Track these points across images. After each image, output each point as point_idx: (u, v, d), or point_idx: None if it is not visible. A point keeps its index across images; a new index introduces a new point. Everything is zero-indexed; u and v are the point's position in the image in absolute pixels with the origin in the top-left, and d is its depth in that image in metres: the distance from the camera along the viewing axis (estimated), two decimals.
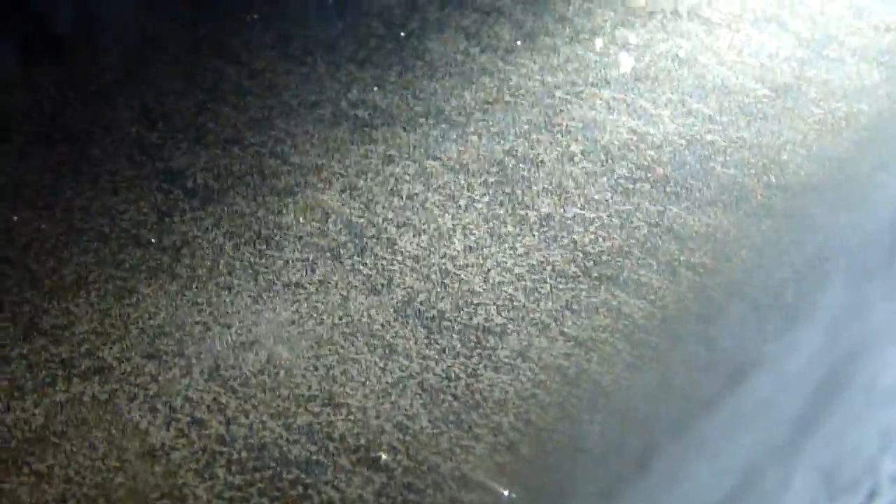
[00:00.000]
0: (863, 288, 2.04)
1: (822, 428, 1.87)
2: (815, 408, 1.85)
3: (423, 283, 1.90)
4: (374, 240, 1.97)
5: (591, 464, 1.66)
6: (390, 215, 2.01)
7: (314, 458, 1.63)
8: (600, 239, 1.99)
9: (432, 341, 1.80)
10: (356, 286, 1.88)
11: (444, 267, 1.93)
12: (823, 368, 1.90)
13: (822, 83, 2.38)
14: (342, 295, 1.87)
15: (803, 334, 1.91)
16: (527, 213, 2.03)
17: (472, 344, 1.80)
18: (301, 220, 1.99)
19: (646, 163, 2.15)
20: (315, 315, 1.83)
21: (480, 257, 1.95)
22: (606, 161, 2.15)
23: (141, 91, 2.23)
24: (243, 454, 1.62)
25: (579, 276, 1.92)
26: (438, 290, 1.89)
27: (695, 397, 1.76)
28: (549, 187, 2.08)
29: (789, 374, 1.86)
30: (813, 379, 1.88)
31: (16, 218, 1.96)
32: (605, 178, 2.12)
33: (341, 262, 1.92)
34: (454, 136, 2.18)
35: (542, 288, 1.90)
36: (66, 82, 2.24)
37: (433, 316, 1.84)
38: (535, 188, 2.08)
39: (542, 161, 2.14)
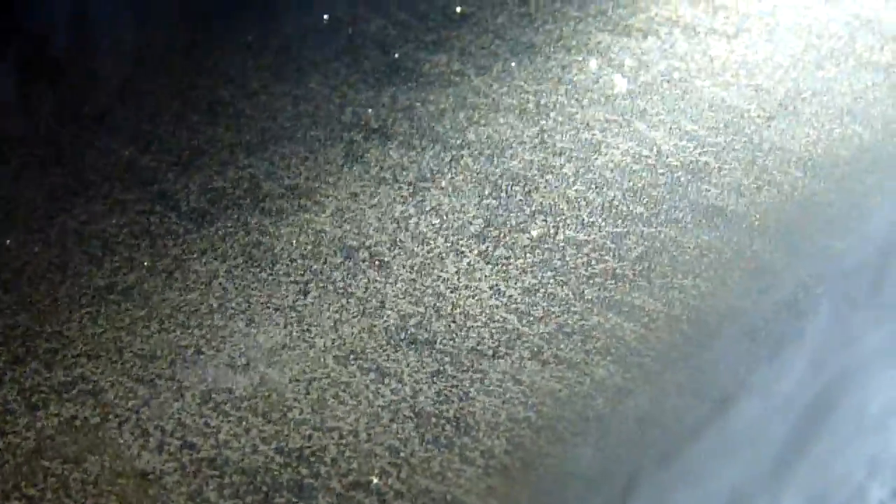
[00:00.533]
0: (851, 315, 2.04)
1: (810, 454, 1.86)
2: (803, 434, 1.85)
3: (415, 306, 1.90)
4: (367, 262, 1.97)
5: (581, 488, 1.66)
6: (383, 238, 2.02)
7: (306, 482, 1.63)
8: (593, 262, 2.00)
9: (424, 364, 1.80)
10: (348, 309, 1.89)
11: (436, 290, 1.93)
12: (811, 395, 1.89)
13: (818, 104, 2.39)
14: (335, 318, 1.87)
15: (791, 360, 1.91)
16: (520, 236, 2.03)
17: (464, 367, 1.80)
18: (294, 242, 2.00)
19: (640, 185, 2.15)
20: (307, 338, 1.83)
21: (473, 280, 1.95)
22: (600, 183, 2.16)
23: (135, 113, 2.23)
24: (235, 478, 1.62)
25: (572, 299, 1.92)
26: (431, 313, 1.89)
27: (683, 422, 1.76)
28: (543, 209, 2.09)
29: (777, 400, 1.86)
30: (800, 405, 1.88)
31: (9, 241, 1.96)
32: (598, 200, 2.12)
33: (334, 285, 1.92)
34: (448, 158, 2.18)
35: (535, 311, 1.90)
36: (62, 105, 2.24)
37: (426, 339, 1.84)
38: (528, 210, 2.08)
39: (535, 183, 2.14)
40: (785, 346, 1.90)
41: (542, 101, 2.33)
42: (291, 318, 1.86)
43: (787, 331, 1.92)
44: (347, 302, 1.90)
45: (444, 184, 2.13)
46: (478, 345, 1.84)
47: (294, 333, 1.84)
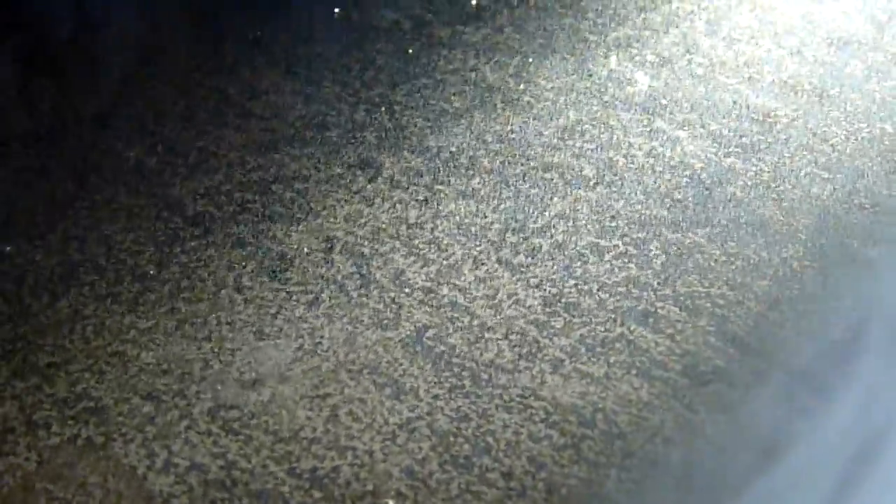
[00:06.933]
0: None
1: (854, 502, 1.77)
2: (848, 485, 1.76)
3: (431, 316, 1.83)
4: (381, 271, 1.90)
5: None
6: (397, 244, 1.94)
7: None
8: (616, 269, 1.92)
9: (442, 379, 1.73)
10: (362, 320, 1.81)
11: (453, 299, 1.86)
12: (857, 442, 1.80)
13: (844, 102, 2.31)
14: (348, 330, 1.80)
15: (840, 403, 1.81)
16: (540, 243, 1.96)
17: (483, 382, 1.73)
18: (305, 249, 1.92)
19: (663, 187, 2.08)
20: (320, 351, 1.76)
21: (491, 289, 1.88)
22: (622, 185, 2.08)
23: (140, 113, 2.16)
24: (244, 501, 1.56)
25: (594, 309, 1.85)
26: (448, 324, 1.82)
27: (727, 473, 1.67)
28: (563, 214, 2.01)
29: (823, 449, 1.76)
30: (847, 454, 1.79)
31: (9, 248, 1.90)
32: (620, 203, 2.04)
33: (347, 295, 1.85)
34: (464, 160, 2.11)
35: (556, 322, 1.83)
36: (63, 103, 2.17)
37: (442, 352, 1.77)
38: (547, 214, 2.01)
39: (554, 186, 2.07)
40: (833, 388, 1.80)
41: (561, 100, 2.26)
42: (303, 330, 1.79)
43: (831, 372, 1.82)
44: (361, 313, 1.83)
45: (460, 187, 2.05)
46: (497, 358, 1.77)
47: (306, 346, 1.77)
